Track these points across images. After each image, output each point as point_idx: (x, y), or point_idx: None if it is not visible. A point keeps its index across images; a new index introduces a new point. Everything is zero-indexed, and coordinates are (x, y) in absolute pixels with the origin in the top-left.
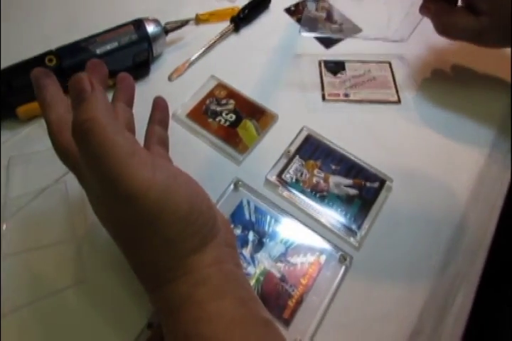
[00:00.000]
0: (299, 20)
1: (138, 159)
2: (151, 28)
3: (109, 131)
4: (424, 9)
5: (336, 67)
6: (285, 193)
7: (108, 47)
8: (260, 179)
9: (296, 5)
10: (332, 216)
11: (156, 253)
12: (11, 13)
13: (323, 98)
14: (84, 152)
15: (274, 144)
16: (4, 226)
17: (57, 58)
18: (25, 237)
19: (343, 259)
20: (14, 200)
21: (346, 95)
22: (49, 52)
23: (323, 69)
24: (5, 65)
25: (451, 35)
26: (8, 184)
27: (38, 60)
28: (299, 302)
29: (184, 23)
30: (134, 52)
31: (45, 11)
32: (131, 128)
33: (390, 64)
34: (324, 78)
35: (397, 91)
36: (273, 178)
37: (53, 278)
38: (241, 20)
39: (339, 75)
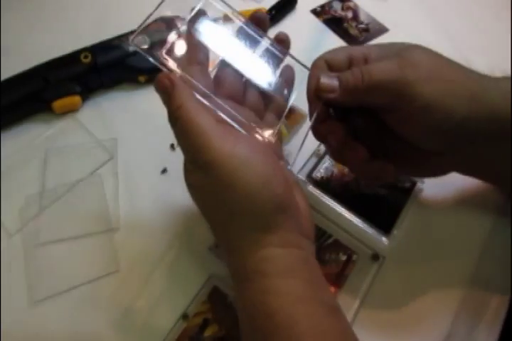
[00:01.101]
0: (325, 21)
1: (218, 134)
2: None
3: (193, 113)
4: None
5: None
6: (315, 192)
7: None
8: None
9: (322, 6)
10: (364, 215)
11: (227, 221)
12: (45, 11)
13: None
14: (176, 131)
15: (304, 144)
16: (42, 216)
17: (91, 55)
18: (60, 227)
19: (375, 259)
20: (51, 191)
21: None
22: (84, 49)
23: None
24: (40, 61)
25: None
26: (45, 175)
27: (74, 56)
28: None
29: None
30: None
31: (79, 9)
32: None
33: None
34: None
35: None
36: (303, 177)
37: (87, 267)
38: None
39: None
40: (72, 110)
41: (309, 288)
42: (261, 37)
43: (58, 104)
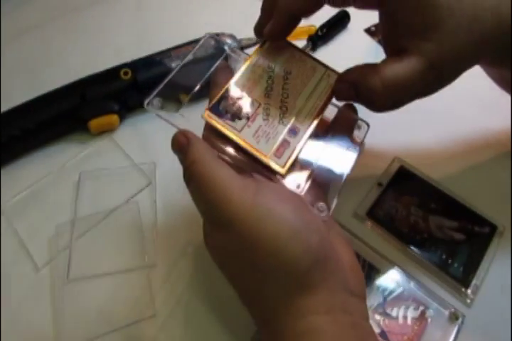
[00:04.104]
0: (380, 41)
1: (237, 185)
2: (227, 43)
3: (208, 167)
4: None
5: None
6: (377, 231)
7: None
8: (347, 212)
9: (377, 25)
10: (436, 263)
11: (257, 286)
12: (87, 26)
13: None
14: (191, 189)
15: (362, 174)
16: (73, 248)
17: (132, 71)
18: (92, 262)
19: (454, 318)
20: (83, 220)
21: None
22: (124, 65)
23: None
24: (80, 76)
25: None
26: (77, 201)
27: (114, 73)
28: None
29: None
30: (210, 66)
31: (119, 25)
32: None
33: None
34: None
35: None
36: (363, 213)
37: (120, 311)
38: (319, 38)
39: None
40: (109, 130)
41: None
42: None
43: (95, 123)
